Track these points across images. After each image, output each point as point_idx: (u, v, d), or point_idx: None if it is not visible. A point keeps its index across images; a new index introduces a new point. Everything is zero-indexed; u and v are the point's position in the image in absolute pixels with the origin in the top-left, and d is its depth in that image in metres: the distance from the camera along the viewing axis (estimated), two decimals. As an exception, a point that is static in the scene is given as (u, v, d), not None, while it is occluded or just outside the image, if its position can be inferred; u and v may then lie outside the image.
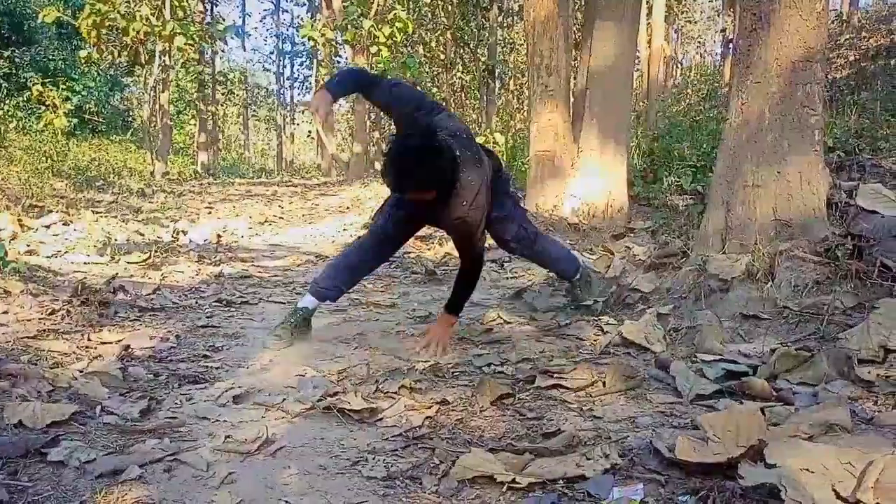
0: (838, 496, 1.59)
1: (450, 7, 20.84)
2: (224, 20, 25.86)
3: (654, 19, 17.15)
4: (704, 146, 8.46)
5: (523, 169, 8.99)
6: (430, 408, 2.52)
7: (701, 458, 1.91)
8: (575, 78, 8.09)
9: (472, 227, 3.19)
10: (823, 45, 3.70)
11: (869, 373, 2.60)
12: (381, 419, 2.43)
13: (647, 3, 15.85)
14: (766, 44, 3.67)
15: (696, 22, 28.40)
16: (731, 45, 15.97)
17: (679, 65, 24.74)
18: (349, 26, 17.16)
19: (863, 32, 13.01)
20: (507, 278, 5.59)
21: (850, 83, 10.46)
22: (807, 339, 3.04)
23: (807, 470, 1.66)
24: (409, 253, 6.75)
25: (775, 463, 1.71)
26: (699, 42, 29.22)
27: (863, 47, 12.33)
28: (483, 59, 20.22)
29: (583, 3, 11.18)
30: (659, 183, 8.17)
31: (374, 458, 2.08)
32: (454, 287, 3.49)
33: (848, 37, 13.00)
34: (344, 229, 8.93)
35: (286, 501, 1.80)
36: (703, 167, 7.67)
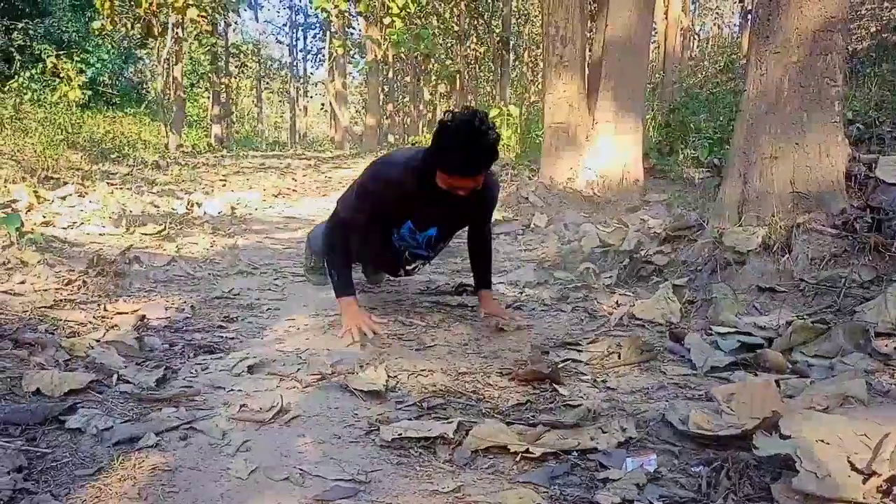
0: (853, 468, 1.59)
1: (464, -23, 20.60)
2: (237, -9, 25.69)
3: (671, -11, 16.86)
4: (721, 118, 8.39)
5: (538, 141, 8.93)
6: (444, 378, 2.53)
7: (715, 429, 1.91)
8: (590, 49, 8.02)
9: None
10: (845, 15, 3.64)
11: (886, 346, 2.58)
12: (394, 389, 2.44)
13: (665, -27, 15.58)
14: (786, 13, 3.61)
15: (713, -8, 28.00)
16: (749, 16, 15.73)
17: (696, 36, 24.42)
18: (362, -3, 17.04)
19: (885, 3, 12.75)
20: (521, 250, 5.58)
21: (870, 54, 10.27)
22: (823, 311, 3.03)
23: (822, 441, 1.65)
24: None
25: (790, 434, 1.71)
26: (717, 13, 28.79)
27: (884, 18, 12.09)
28: (497, 30, 20.04)
29: (599, -27, 11.01)
30: (675, 155, 8.12)
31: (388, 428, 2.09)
32: (478, 267, 3.42)
33: (869, 7, 12.75)
34: (357, 202, 8.91)
35: (301, 469, 1.81)
36: (719, 139, 7.60)
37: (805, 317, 2.94)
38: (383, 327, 3.11)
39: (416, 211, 3.18)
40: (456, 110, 2.88)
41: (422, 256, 3.43)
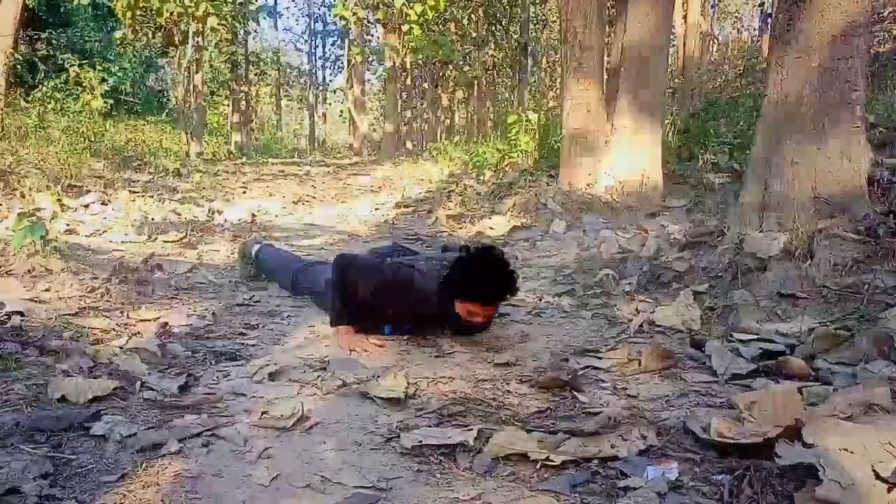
0: (878, 476, 1.57)
1: (482, -16, 20.64)
2: (256, 0, 25.90)
3: (689, -6, 16.78)
4: (741, 123, 8.33)
5: (556, 147, 8.91)
6: (464, 385, 2.53)
7: (737, 437, 1.90)
8: (609, 55, 7.99)
9: None
10: (866, 18, 3.61)
11: (910, 353, 2.55)
12: (414, 396, 2.45)
13: (684, -23, 15.54)
14: (807, 17, 3.59)
15: (733, -4, 27.86)
16: (769, 20, 15.61)
17: (715, 40, 24.25)
18: (381, 5, 17.12)
19: (907, 5, 12.60)
20: (540, 257, 5.56)
21: (892, 58, 10.16)
22: (846, 318, 2.99)
23: (846, 450, 1.64)
24: (443, 232, 6.76)
25: (813, 443, 1.69)
26: (736, 16, 28.60)
27: (907, 20, 11.97)
28: (515, 36, 20.04)
29: (617, -22, 10.98)
30: (694, 160, 8.07)
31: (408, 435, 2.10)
32: None
33: (891, 10, 12.62)
34: (376, 209, 8.95)
35: (322, 476, 1.82)
36: (739, 145, 7.55)
37: (828, 323, 2.91)
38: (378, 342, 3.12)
39: (414, 320, 3.24)
40: (469, 244, 3.08)
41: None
